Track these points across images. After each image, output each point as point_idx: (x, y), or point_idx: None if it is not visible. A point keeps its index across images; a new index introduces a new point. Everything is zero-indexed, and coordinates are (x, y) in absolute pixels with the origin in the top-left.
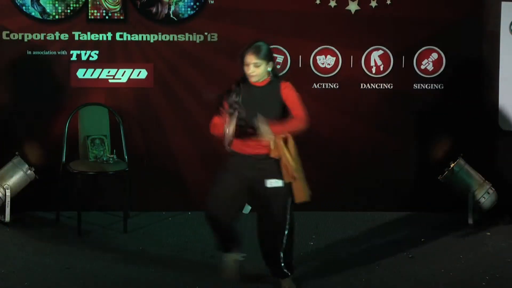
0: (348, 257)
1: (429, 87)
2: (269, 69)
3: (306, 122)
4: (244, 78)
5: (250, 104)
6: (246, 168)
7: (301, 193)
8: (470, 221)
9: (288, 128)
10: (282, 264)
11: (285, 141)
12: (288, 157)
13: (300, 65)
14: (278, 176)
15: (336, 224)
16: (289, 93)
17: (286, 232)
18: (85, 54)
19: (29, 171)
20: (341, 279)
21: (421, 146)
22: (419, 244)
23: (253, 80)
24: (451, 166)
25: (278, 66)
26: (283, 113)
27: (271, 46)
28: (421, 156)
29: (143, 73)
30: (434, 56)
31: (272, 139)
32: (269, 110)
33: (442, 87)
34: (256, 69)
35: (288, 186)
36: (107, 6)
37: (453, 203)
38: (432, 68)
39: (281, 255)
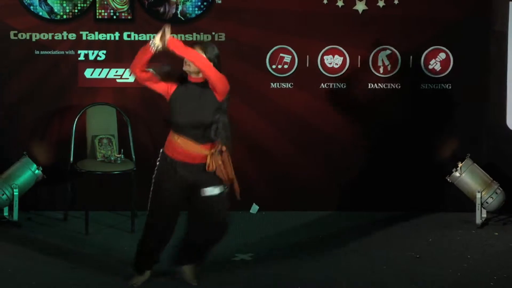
0: (354, 257)
1: (437, 87)
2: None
3: (222, 77)
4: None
5: (184, 99)
6: (187, 174)
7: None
8: (478, 221)
9: (190, 52)
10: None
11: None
12: (222, 170)
13: (307, 65)
14: (216, 182)
15: (342, 224)
16: (221, 90)
17: (224, 236)
18: (93, 53)
19: (37, 171)
20: (347, 279)
21: (428, 146)
22: (427, 244)
23: (186, 69)
24: (459, 166)
25: (286, 66)
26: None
27: (279, 46)
28: (429, 156)
29: None
30: (442, 56)
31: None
32: (205, 108)
33: (450, 87)
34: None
35: (223, 192)
36: (115, 6)
37: (461, 203)
38: (440, 68)
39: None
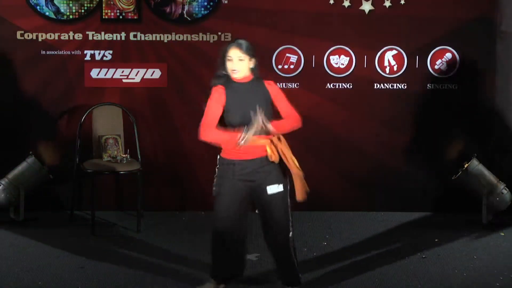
0: (361, 257)
1: (443, 87)
2: (252, 66)
3: (300, 121)
4: (224, 77)
5: (238, 100)
6: (247, 176)
7: (300, 190)
8: (484, 221)
9: (285, 129)
10: (296, 267)
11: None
12: (288, 157)
13: (313, 65)
14: (279, 180)
15: (349, 224)
16: (277, 90)
17: (291, 233)
18: (99, 54)
19: (43, 171)
20: (355, 279)
21: (434, 146)
22: (433, 244)
23: (235, 76)
24: (465, 166)
25: (292, 66)
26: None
27: (285, 46)
28: (435, 156)
29: (156, 73)
30: (448, 56)
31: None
32: (261, 105)
33: (456, 87)
34: (240, 64)
35: (286, 188)
36: (121, 6)
37: (467, 203)
38: (446, 68)
39: (294, 256)
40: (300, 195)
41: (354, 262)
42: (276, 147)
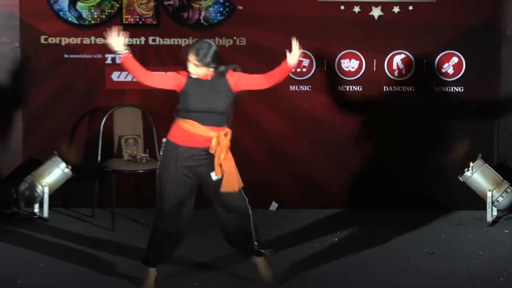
0: (370, 253)
1: (450, 89)
2: (211, 70)
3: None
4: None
5: (198, 89)
6: (190, 161)
7: (228, 184)
8: (489, 219)
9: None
10: (256, 243)
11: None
12: (218, 155)
13: (325, 69)
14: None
15: (359, 221)
16: (238, 74)
17: (250, 212)
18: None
19: (66, 169)
20: (363, 274)
21: (441, 146)
22: (440, 241)
23: (193, 77)
24: (471, 166)
25: (304, 70)
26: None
27: None
28: (442, 156)
29: None
30: (455, 60)
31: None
32: (219, 97)
33: (462, 90)
34: (197, 70)
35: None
36: (141, 12)
37: (473, 201)
38: (453, 71)
39: (253, 234)
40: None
41: (362, 257)
42: (219, 142)
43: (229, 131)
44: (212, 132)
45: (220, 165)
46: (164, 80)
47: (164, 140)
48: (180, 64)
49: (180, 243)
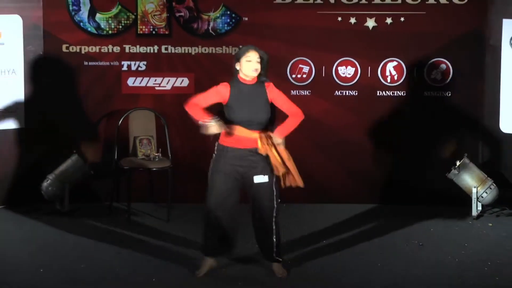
0: (366, 244)
1: (438, 94)
2: (260, 72)
3: (302, 114)
4: (233, 77)
5: (241, 100)
6: (237, 161)
7: (294, 181)
8: (474, 213)
9: (292, 128)
10: (275, 250)
11: (269, 137)
12: (274, 153)
13: (323, 75)
14: (265, 171)
15: (353, 215)
16: (277, 92)
17: (274, 219)
18: (135, 64)
19: (85, 167)
20: (358, 264)
21: (430, 147)
22: (429, 233)
23: (254, 74)
24: (457, 164)
25: (304, 76)
26: (271, 110)
27: (298, 58)
28: (431, 155)
29: (185, 81)
30: (443, 67)
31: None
32: (261, 107)
33: (450, 95)
34: (258, 65)
35: (272, 179)
36: (154, 23)
37: (459, 197)
38: (441, 77)
39: (274, 241)
40: (283, 183)
41: (359, 248)
42: (265, 142)
43: (269, 133)
44: (254, 134)
45: (282, 163)
46: (208, 100)
47: (216, 144)
48: (189, 71)
49: (234, 236)
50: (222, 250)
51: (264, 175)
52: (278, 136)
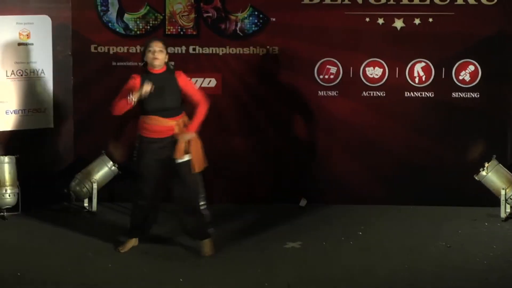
0: (393, 245)
1: (466, 95)
2: (166, 60)
3: (208, 102)
4: (143, 68)
5: (156, 96)
6: (158, 149)
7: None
8: (502, 215)
9: (201, 119)
10: (203, 225)
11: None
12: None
13: (351, 76)
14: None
15: (382, 216)
16: (186, 80)
17: (201, 195)
18: None
19: (113, 167)
20: (386, 265)
21: (458, 148)
22: (457, 235)
23: (156, 63)
24: (486, 166)
25: (332, 76)
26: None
27: (326, 59)
28: (459, 157)
29: (212, 82)
30: (471, 68)
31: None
32: (171, 95)
33: (478, 96)
34: (160, 54)
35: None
36: (182, 23)
37: (487, 199)
38: (469, 78)
39: (202, 216)
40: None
41: (386, 249)
42: (180, 128)
43: (185, 118)
44: (173, 122)
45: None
46: (123, 96)
47: (138, 135)
48: (216, 71)
49: (156, 218)
50: (145, 231)
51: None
52: (190, 133)
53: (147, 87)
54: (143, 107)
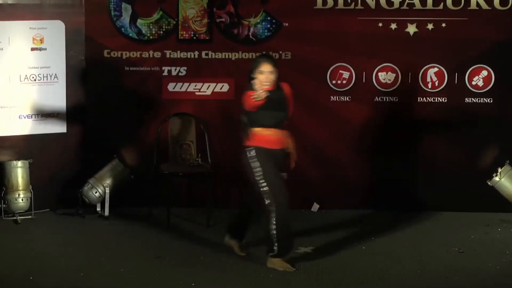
0: (404, 250)
1: (479, 101)
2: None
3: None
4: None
5: (270, 106)
6: (274, 159)
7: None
8: None
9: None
10: (274, 239)
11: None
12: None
13: (363, 81)
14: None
15: (394, 221)
16: (290, 91)
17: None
18: (175, 70)
19: (125, 172)
20: (399, 269)
21: (472, 153)
22: (469, 240)
23: (266, 87)
24: (499, 171)
25: (344, 82)
26: None
27: (338, 64)
28: (472, 162)
29: (225, 87)
30: (484, 73)
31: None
32: (285, 109)
33: (491, 101)
34: (271, 76)
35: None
36: (195, 28)
37: (500, 204)
38: (482, 84)
39: (274, 230)
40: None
41: (397, 254)
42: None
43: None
44: (285, 135)
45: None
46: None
47: (250, 147)
48: (229, 76)
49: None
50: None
51: (283, 173)
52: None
53: (263, 94)
54: (258, 121)
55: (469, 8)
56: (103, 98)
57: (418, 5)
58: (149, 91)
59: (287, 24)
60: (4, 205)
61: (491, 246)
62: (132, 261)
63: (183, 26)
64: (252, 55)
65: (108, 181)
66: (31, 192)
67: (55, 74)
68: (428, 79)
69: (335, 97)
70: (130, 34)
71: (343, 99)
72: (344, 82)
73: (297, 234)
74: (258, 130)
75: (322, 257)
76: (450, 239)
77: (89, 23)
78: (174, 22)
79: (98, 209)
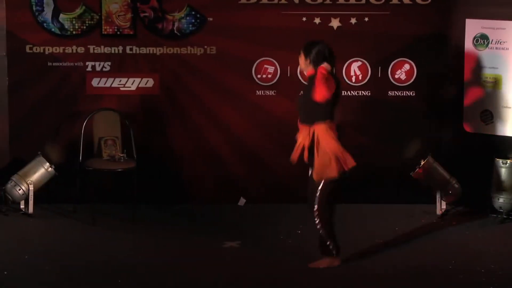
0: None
1: (402, 94)
2: (308, 63)
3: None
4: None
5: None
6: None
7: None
8: (438, 211)
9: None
10: (325, 239)
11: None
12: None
13: (288, 75)
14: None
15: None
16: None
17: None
18: (99, 65)
19: (50, 168)
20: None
21: (395, 146)
22: (393, 231)
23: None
24: (422, 163)
25: (270, 76)
26: None
27: (263, 58)
28: (395, 155)
29: (150, 82)
30: (407, 67)
31: None
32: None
33: (414, 94)
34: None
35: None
36: (119, 23)
37: (423, 195)
38: (405, 77)
39: (323, 230)
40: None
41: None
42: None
43: None
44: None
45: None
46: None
47: None
48: (154, 71)
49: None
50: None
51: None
52: None
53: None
54: (332, 112)
55: (391, 2)
56: (26, 94)
57: (341, 0)
58: (73, 86)
59: (211, 19)
60: None
61: (414, 236)
62: (57, 259)
63: (106, 21)
64: (177, 50)
65: (32, 178)
66: None
67: None
68: (352, 73)
69: (260, 91)
70: (53, 29)
71: (268, 93)
72: (270, 76)
73: (223, 228)
74: (331, 122)
75: (248, 251)
76: (374, 230)
77: (10, 18)
78: (98, 17)
79: (22, 206)
